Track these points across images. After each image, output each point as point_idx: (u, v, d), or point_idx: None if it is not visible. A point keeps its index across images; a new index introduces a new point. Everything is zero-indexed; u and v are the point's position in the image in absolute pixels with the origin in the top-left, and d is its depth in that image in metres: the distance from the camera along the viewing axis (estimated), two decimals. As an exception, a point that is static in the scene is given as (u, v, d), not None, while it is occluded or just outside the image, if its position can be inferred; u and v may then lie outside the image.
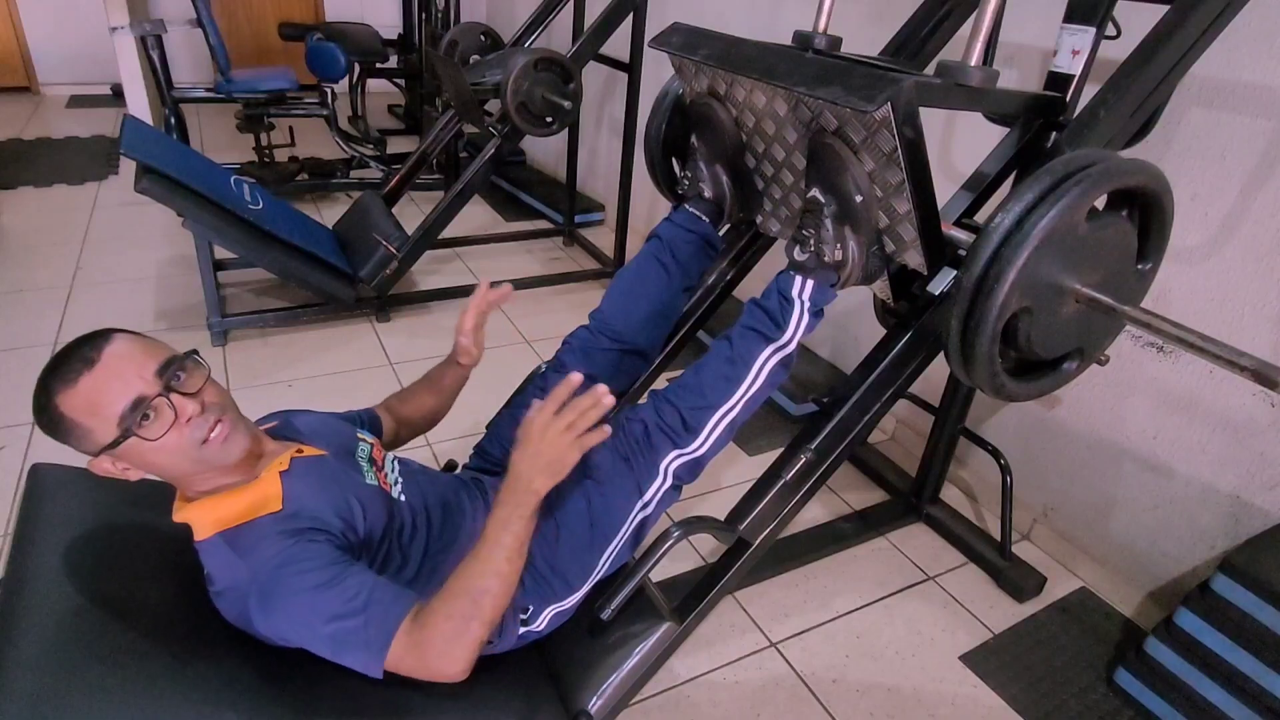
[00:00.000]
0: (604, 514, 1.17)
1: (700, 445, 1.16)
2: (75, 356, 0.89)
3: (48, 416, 0.88)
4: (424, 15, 4.26)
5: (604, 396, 0.95)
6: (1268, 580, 1.28)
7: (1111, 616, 1.74)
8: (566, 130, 2.97)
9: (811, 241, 1.11)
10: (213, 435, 0.92)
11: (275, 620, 0.88)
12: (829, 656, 1.58)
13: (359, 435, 1.16)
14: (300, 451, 1.03)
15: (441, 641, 0.87)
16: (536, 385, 1.42)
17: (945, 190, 1.25)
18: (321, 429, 1.13)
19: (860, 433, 1.25)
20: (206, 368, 0.96)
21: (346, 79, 3.94)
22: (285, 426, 1.13)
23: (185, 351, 0.96)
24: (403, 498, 1.10)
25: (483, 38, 3.13)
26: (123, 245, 3.13)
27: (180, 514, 0.97)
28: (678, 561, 1.73)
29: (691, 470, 1.19)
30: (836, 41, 1.33)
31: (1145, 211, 1.06)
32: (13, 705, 0.80)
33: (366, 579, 0.90)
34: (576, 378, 0.97)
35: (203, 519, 0.94)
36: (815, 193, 1.10)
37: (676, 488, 1.19)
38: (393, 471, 1.14)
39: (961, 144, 2.01)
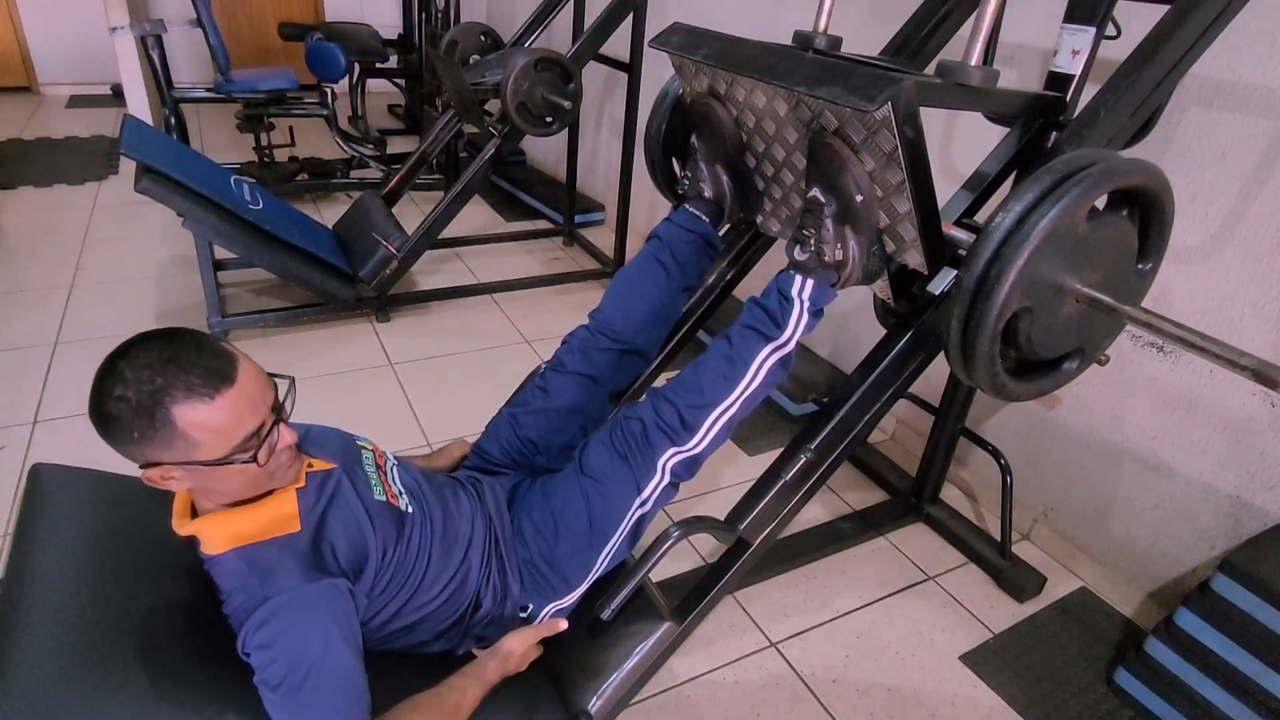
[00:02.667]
0: (602, 512, 1.17)
1: (698, 443, 1.16)
2: (203, 368, 0.83)
3: (148, 421, 0.81)
4: (424, 15, 4.26)
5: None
6: (1268, 580, 1.28)
7: (1111, 616, 1.74)
8: (566, 130, 2.97)
9: (812, 241, 1.11)
10: (283, 461, 0.94)
11: (256, 647, 0.87)
12: (829, 656, 1.58)
13: (358, 442, 1.16)
14: (311, 466, 1.03)
15: None
16: (536, 385, 1.42)
17: (945, 190, 1.25)
18: (323, 438, 1.12)
19: (860, 433, 1.25)
20: (294, 396, 0.97)
21: (346, 79, 3.94)
22: None
23: (290, 379, 0.96)
24: (410, 509, 1.10)
25: (483, 38, 3.13)
26: (123, 245, 3.13)
27: (186, 528, 0.94)
28: (678, 561, 1.73)
29: (689, 468, 1.19)
30: (836, 41, 1.32)
31: (1145, 211, 1.06)
32: (12, 706, 0.80)
33: (352, 664, 0.90)
34: (562, 624, 1.19)
35: (215, 534, 0.93)
36: (815, 192, 1.10)
37: (674, 485, 1.19)
38: (396, 481, 1.13)
39: (961, 144, 2.01)
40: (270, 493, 0.96)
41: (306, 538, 0.94)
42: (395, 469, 1.16)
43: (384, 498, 1.07)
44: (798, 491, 1.24)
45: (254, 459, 0.87)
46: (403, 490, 1.12)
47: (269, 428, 0.89)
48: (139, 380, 0.81)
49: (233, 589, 0.92)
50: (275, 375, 0.95)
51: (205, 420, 0.83)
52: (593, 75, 3.21)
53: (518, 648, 1.12)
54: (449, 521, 1.14)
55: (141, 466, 0.87)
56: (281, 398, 0.94)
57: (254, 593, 0.89)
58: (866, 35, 1.93)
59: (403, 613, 1.07)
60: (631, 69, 2.84)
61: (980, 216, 1.36)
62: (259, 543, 0.92)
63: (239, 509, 0.94)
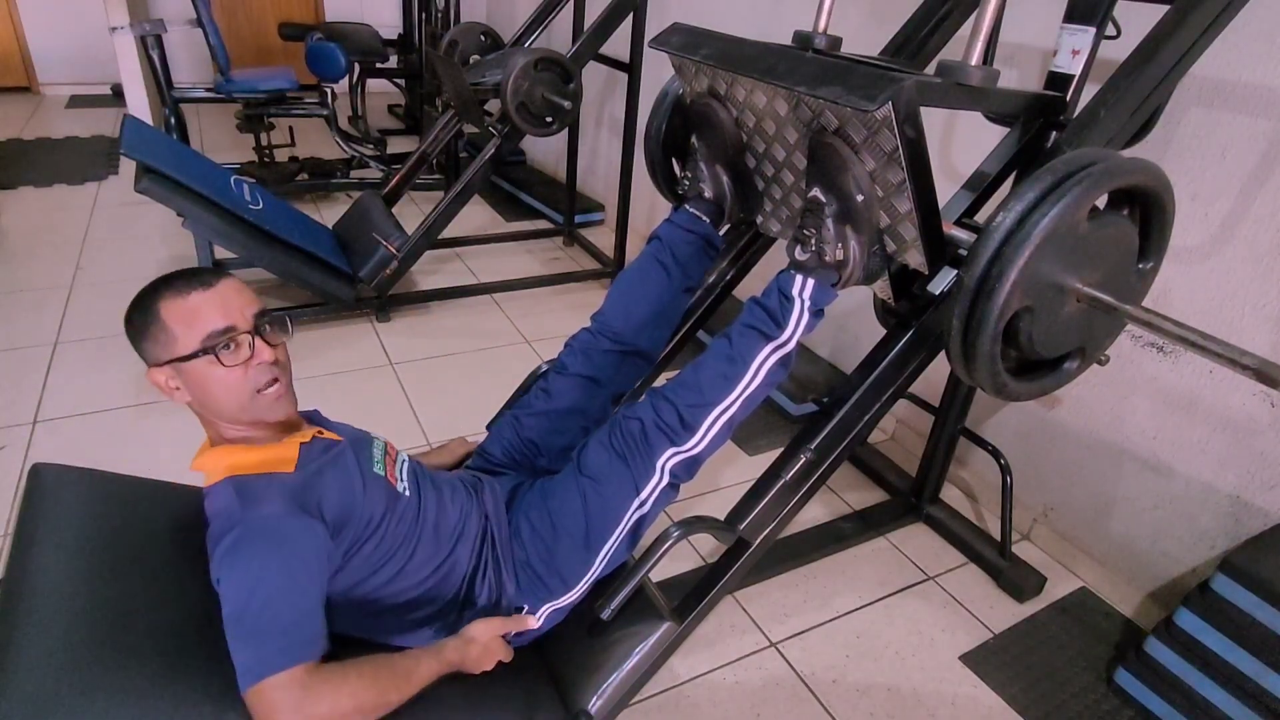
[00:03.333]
0: (599, 512, 1.17)
1: (697, 443, 1.16)
2: (193, 277, 1.01)
3: (144, 316, 0.98)
4: (424, 15, 4.26)
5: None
6: (1268, 580, 1.28)
7: (1111, 616, 1.74)
8: (566, 130, 2.97)
9: (812, 241, 1.11)
10: (269, 390, 1.02)
11: (225, 569, 0.90)
12: (829, 656, 1.58)
13: (373, 436, 1.20)
14: (321, 433, 1.09)
15: (329, 703, 0.87)
16: (539, 387, 1.42)
17: (945, 190, 1.25)
18: (338, 425, 1.19)
19: (860, 433, 1.25)
20: (290, 334, 1.06)
21: (346, 79, 3.94)
22: (309, 413, 1.19)
23: (285, 310, 1.03)
24: (406, 493, 1.13)
25: (483, 38, 3.13)
26: (123, 245, 3.13)
27: (198, 460, 1.03)
28: (678, 561, 1.73)
29: (689, 468, 1.18)
30: (837, 41, 1.33)
31: (1146, 211, 1.06)
32: (13, 705, 0.80)
33: (313, 604, 0.91)
34: (532, 621, 1.18)
35: (217, 464, 1.00)
36: (816, 192, 1.10)
37: (674, 486, 1.19)
38: (401, 470, 1.17)
39: (961, 144, 2.01)
40: (278, 443, 1.04)
41: (298, 481, 0.99)
42: (404, 465, 1.19)
43: (382, 473, 1.11)
44: (798, 491, 1.24)
45: (216, 355, 0.96)
46: (403, 477, 1.16)
47: (241, 333, 0.99)
48: (148, 289, 1.01)
49: (216, 512, 0.96)
50: (286, 313, 1.06)
51: (178, 312, 0.97)
52: (593, 75, 3.21)
53: (481, 635, 1.10)
54: (442, 513, 1.16)
55: (150, 368, 1.01)
56: (270, 323, 1.03)
57: (233, 515, 0.93)
58: (866, 35, 1.93)
59: (387, 589, 1.08)
60: (631, 69, 2.84)
61: (980, 216, 1.36)
62: (251, 474, 0.98)
63: (245, 446, 1.03)
